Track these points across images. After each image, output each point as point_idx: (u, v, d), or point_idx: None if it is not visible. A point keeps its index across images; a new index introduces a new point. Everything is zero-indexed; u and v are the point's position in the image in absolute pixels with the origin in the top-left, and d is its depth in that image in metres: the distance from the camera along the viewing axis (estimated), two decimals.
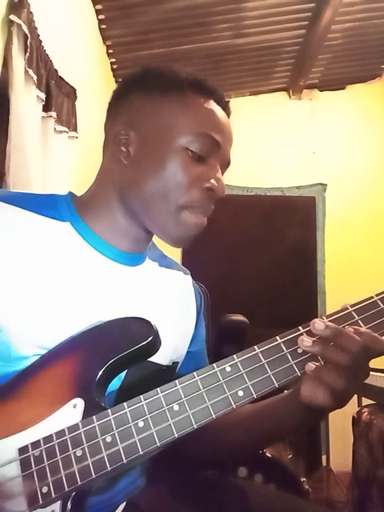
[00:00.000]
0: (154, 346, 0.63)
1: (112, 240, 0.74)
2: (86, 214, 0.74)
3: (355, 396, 2.27)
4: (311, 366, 0.56)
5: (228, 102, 0.77)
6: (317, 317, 0.59)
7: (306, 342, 0.57)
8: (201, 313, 0.91)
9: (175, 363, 0.82)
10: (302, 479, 1.70)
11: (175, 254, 0.94)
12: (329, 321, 0.59)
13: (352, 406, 2.11)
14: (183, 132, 0.70)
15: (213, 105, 0.73)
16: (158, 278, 0.82)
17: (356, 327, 0.57)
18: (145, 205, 0.72)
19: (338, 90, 3.80)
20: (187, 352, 0.86)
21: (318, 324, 0.56)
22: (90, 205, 0.75)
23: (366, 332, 0.57)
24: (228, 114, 0.77)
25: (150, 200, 0.71)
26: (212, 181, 0.71)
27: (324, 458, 2.86)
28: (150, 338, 0.62)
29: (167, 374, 0.79)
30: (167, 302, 0.82)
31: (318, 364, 0.57)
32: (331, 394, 0.57)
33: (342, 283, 3.31)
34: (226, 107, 0.76)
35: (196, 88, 0.73)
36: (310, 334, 0.58)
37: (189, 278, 0.91)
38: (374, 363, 1.98)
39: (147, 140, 0.72)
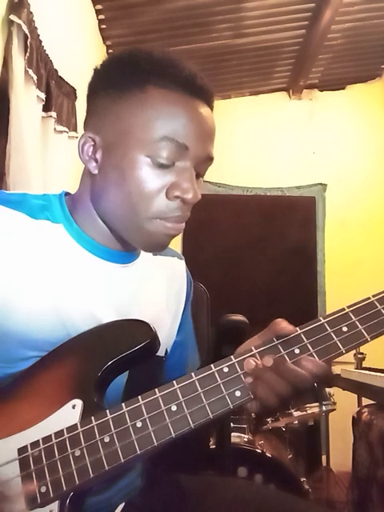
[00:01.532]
0: (153, 347, 0.64)
1: (102, 240, 0.73)
2: (76, 215, 0.73)
3: (355, 396, 2.27)
4: (249, 379, 0.57)
5: (203, 85, 0.68)
6: (316, 316, 0.59)
7: (250, 363, 0.58)
8: (189, 301, 0.90)
9: (167, 350, 0.82)
10: (302, 479, 1.70)
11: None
12: (327, 320, 0.59)
13: (352, 406, 2.11)
14: (142, 138, 0.64)
15: (177, 97, 0.65)
16: (153, 268, 0.82)
17: (282, 362, 0.57)
18: (114, 215, 0.69)
19: (338, 89, 3.80)
20: (173, 341, 0.85)
21: (249, 364, 0.58)
22: (77, 206, 0.74)
23: (290, 371, 0.56)
24: (206, 98, 0.69)
25: (118, 211, 0.68)
26: (183, 188, 0.66)
27: (324, 457, 2.86)
28: (149, 340, 0.63)
29: (162, 363, 0.80)
30: (162, 291, 0.83)
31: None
32: (260, 404, 0.59)
33: (342, 283, 3.31)
34: (199, 92, 0.67)
35: (157, 78, 0.65)
36: (307, 334, 0.58)
37: (183, 263, 0.90)
38: (374, 363, 1.97)
39: (110, 147, 0.67)
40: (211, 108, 0.71)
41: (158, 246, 0.72)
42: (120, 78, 0.67)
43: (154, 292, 0.81)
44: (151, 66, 0.67)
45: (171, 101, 0.65)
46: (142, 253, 0.81)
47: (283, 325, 0.60)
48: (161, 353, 0.76)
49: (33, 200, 0.72)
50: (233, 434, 1.67)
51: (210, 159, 0.70)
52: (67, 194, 0.78)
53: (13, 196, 0.72)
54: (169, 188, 0.66)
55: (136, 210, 0.66)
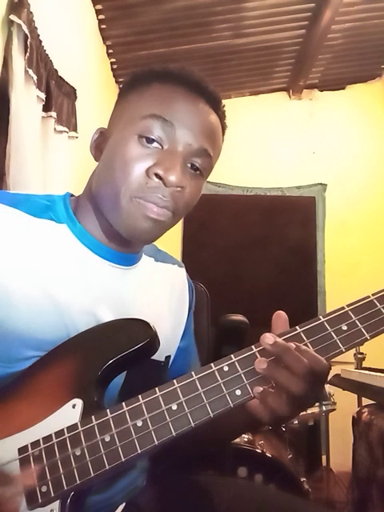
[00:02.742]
0: (153, 346, 0.64)
1: (105, 241, 0.73)
2: (81, 215, 0.74)
3: (355, 396, 2.27)
4: (259, 388, 0.55)
5: (212, 91, 0.72)
6: (316, 316, 0.59)
7: (261, 362, 0.56)
8: (192, 308, 0.91)
9: (168, 357, 0.82)
10: (302, 479, 1.70)
11: (175, 253, 0.94)
12: (327, 319, 0.59)
13: (352, 406, 2.11)
14: (133, 117, 0.68)
15: (180, 91, 0.69)
16: (154, 274, 0.83)
17: (299, 345, 0.55)
18: (102, 197, 0.70)
19: (338, 89, 3.80)
20: (177, 347, 0.86)
21: (268, 338, 0.55)
22: (81, 206, 0.75)
23: (308, 352, 0.55)
24: (213, 103, 0.71)
25: (105, 192, 0.69)
26: (164, 166, 0.65)
27: (324, 457, 2.86)
28: (148, 339, 0.63)
29: (163, 368, 0.80)
30: (163, 297, 0.83)
31: (265, 387, 0.56)
32: (274, 416, 0.56)
33: (342, 283, 3.31)
34: (208, 96, 0.71)
35: (164, 78, 0.70)
36: (307, 332, 0.58)
37: (183, 270, 0.91)
38: (374, 363, 1.96)
39: (110, 135, 0.72)
40: (219, 116, 0.73)
41: (139, 231, 0.68)
42: (134, 80, 0.73)
43: (155, 296, 0.81)
44: (164, 70, 0.72)
45: (172, 91, 0.69)
46: (144, 257, 0.81)
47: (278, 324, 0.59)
48: (159, 358, 0.77)
49: (36, 200, 0.73)
50: None
51: (206, 153, 0.70)
52: (72, 195, 0.78)
53: (16, 196, 0.73)
54: (151, 166, 0.66)
55: (118, 186, 0.67)
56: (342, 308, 0.60)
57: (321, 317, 0.59)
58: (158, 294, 0.82)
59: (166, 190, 0.66)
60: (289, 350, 0.55)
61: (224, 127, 0.76)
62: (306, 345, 0.57)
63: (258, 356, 0.58)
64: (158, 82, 0.70)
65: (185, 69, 0.72)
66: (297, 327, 0.59)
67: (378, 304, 0.59)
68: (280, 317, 0.60)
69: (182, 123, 0.67)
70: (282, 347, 0.55)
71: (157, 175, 0.66)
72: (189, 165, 0.69)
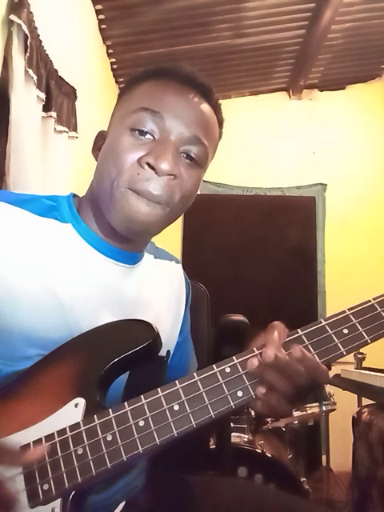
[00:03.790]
0: (155, 347, 0.64)
1: (109, 239, 0.74)
2: (85, 215, 0.74)
3: (355, 396, 2.27)
4: (262, 390, 0.56)
5: (203, 82, 0.72)
6: (317, 317, 0.60)
7: (253, 363, 0.57)
8: (188, 303, 0.91)
9: (168, 352, 0.83)
10: (302, 479, 1.70)
11: (175, 253, 0.94)
12: (328, 322, 0.59)
13: (352, 406, 2.11)
14: (125, 114, 0.70)
15: (167, 83, 0.70)
16: (154, 271, 0.83)
17: (304, 351, 0.56)
18: (99, 196, 0.71)
19: (338, 89, 3.81)
20: (175, 342, 0.87)
21: (268, 355, 0.56)
22: (84, 206, 0.75)
23: (310, 359, 0.56)
24: (205, 93, 0.72)
25: (100, 187, 0.70)
26: (155, 155, 0.65)
27: (324, 457, 2.86)
28: (151, 340, 0.63)
29: (164, 363, 0.80)
30: (163, 295, 0.84)
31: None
32: (269, 409, 0.58)
33: (342, 283, 3.32)
34: (198, 87, 0.71)
35: (155, 75, 0.72)
36: (308, 335, 0.59)
37: (180, 266, 0.92)
38: (374, 363, 1.96)
39: (108, 134, 0.74)
40: (212, 106, 0.73)
41: (133, 229, 0.68)
42: (129, 82, 0.75)
43: (156, 294, 0.82)
44: (156, 69, 0.73)
45: (161, 85, 0.71)
46: (145, 256, 0.81)
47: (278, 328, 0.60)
48: (161, 353, 0.77)
49: (41, 200, 0.73)
50: (233, 434, 1.67)
51: (199, 141, 0.69)
52: (75, 196, 0.79)
53: (22, 196, 0.73)
54: (143, 155, 0.66)
55: (111, 178, 0.67)
56: (343, 311, 0.60)
57: (322, 320, 0.60)
58: (158, 291, 0.83)
59: (159, 180, 0.66)
60: (267, 371, 0.56)
61: (220, 120, 0.76)
62: (306, 347, 0.58)
63: (260, 358, 0.58)
64: (150, 79, 0.72)
65: (175, 64, 0.74)
66: (298, 330, 0.60)
67: (378, 308, 0.60)
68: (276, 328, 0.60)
69: (171, 113, 0.67)
70: (261, 370, 0.57)
71: (148, 165, 0.66)
72: (184, 155, 0.69)
